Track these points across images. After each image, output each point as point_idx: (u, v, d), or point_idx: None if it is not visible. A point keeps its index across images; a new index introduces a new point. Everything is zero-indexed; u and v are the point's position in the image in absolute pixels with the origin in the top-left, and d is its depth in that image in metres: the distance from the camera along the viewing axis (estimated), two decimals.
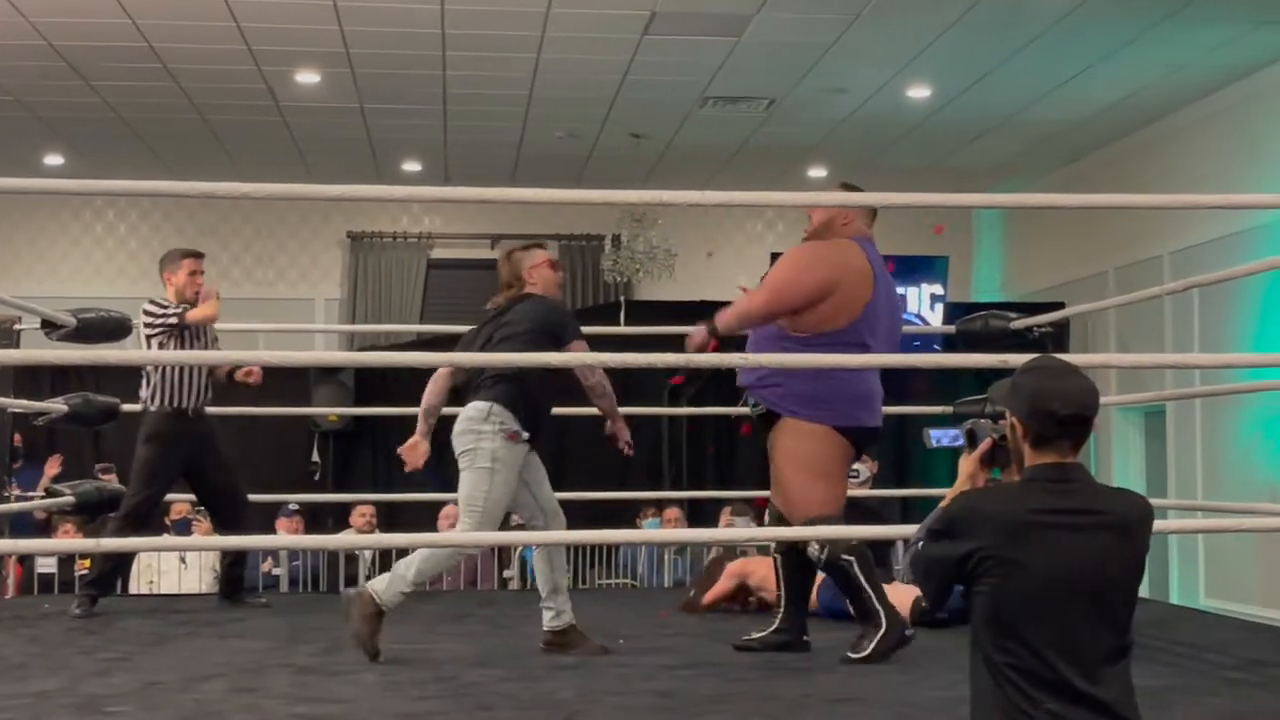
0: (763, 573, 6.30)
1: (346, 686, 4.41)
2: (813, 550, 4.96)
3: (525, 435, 5.00)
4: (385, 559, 7.58)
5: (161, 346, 6.31)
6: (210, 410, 7.23)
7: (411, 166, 12.47)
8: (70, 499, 6.38)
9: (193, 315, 6.44)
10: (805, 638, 5.18)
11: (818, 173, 12.44)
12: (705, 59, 9.56)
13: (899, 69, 9.80)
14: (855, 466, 7.49)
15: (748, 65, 9.65)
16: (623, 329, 9.83)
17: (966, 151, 11.83)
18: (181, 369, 6.40)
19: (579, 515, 6.20)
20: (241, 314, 10.73)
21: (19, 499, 7.05)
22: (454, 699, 4.18)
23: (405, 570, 4.90)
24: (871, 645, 4.82)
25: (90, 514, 6.48)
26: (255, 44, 9.21)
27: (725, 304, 11.93)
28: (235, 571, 6.73)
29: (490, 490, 4.94)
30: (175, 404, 6.41)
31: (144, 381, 6.44)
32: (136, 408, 7.07)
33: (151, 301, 6.57)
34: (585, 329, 5.92)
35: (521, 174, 12.52)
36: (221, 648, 5.27)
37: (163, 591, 8.54)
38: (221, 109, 10.79)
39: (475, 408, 5.01)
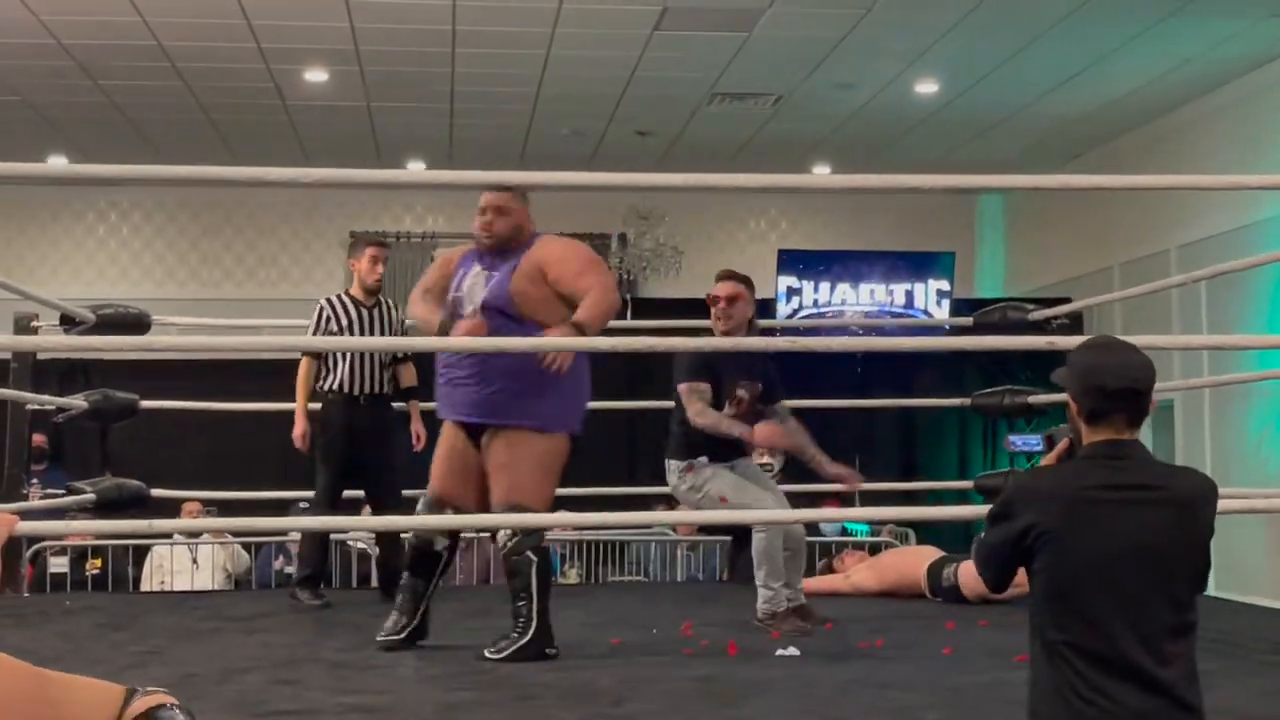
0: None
1: (384, 679, 4.41)
2: (503, 535, 4.91)
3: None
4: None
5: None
6: (227, 405, 7.26)
7: (416, 165, 12.46)
8: (91, 496, 6.37)
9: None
10: None
11: (824, 169, 12.45)
12: (714, 55, 9.57)
13: (906, 65, 9.82)
14: (768, 460, 7.52)
15: (756, 61, 9.66)
16: (630, 324, 9.84)
17: (973, 147, 11.84)
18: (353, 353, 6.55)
19: (590, 509, 6.24)
20: (246, 313, 10.74)
21: (43, 498, 7.03)
22: (493, 689, 4.18)
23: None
24: (510, 649, 4.73)
25: (111, 512, 6.45)
26: (265, 41, 9.20)
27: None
28: (389, 567, 6.71)
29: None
30: (343, 390, 6.51)
31: None
32: (156, 404, 7.08)
33: (326, 300, 6.75)
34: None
35: (525, 171, 12.49)
36: (251, 641, 5.26)
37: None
38: (228, 108, 10.78)
39: None
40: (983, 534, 3.01)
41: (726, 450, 5.52)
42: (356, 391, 6.51)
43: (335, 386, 6.50)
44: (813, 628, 5.28)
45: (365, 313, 6.61)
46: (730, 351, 5.53)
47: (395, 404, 6.73)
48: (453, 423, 5.01)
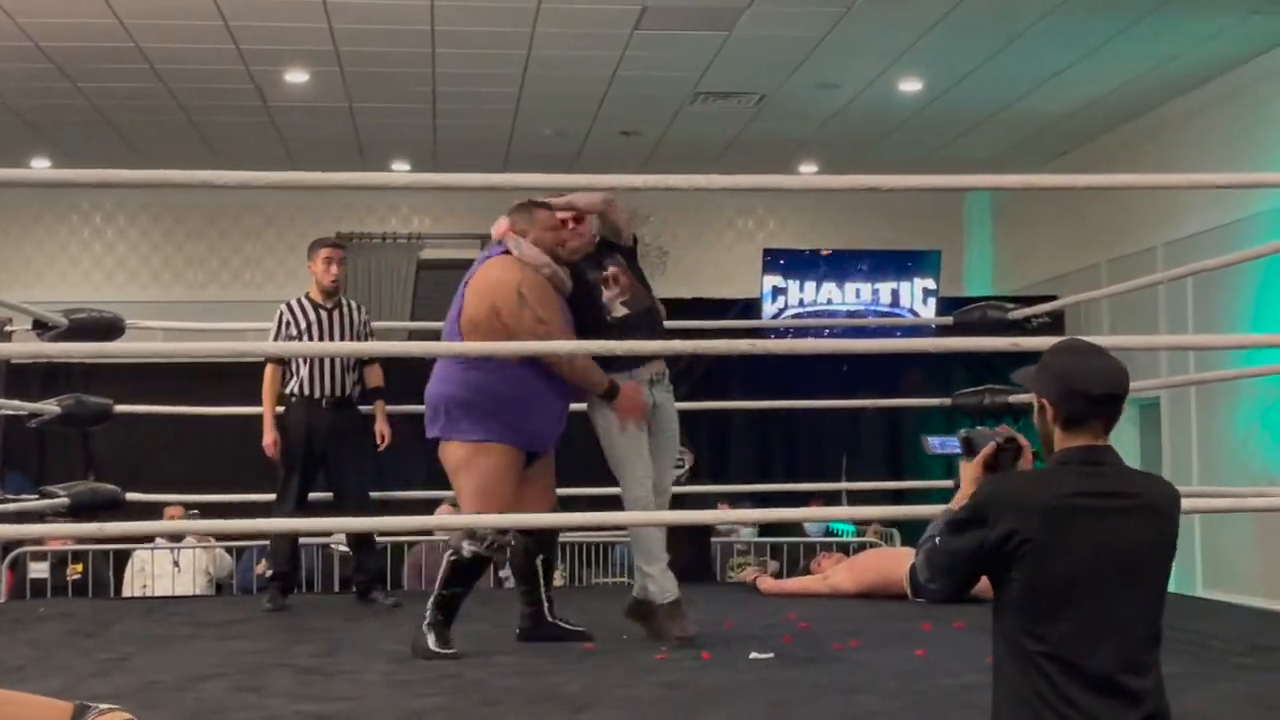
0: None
1: (349, 685, 4.37)
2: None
3: None
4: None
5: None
6: (205, 410, 7.24)
7: (400, 166, 12.42)
8: (65, 500, 6.32)
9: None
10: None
11: (809, 168, 12.42)
12: (696, 54, 9.54)
13: (890, 63, 9.78)
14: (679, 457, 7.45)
15: (738, 60, 9.63)
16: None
17: (957, 146, 11.81)
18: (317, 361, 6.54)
19: (579, 509, 6.19)
20: (231, 316, 10.68)
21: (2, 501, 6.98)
22: (459, 695, 4.14)
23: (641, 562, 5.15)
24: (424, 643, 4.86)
25: (85, 516, 6.40)
26: (244, 43, 9.16)
27: (720, 301, 11.94)
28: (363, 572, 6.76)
29: None
30: (304, 392, 6.52)
31: None
32: (130, 409, 7.04)
33: (286, 305, 6.75)
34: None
35: (511, 173, 12.45)
36: (221, 648, 5.22)
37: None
38: (209, 109, 10.74)
39: None
40: (937, 539, 2.94)
41: None
42: (319, 395, 6.50)
43: (297, 390, 6.50)
44: (693, 633, 5.06)
45: (325, 315, 6.59)
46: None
47: (362, 406, 6.71)
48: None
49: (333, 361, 6.51)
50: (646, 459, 5.15)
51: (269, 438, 6.50)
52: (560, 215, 5.26)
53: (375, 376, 6.73)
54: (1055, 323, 8.31)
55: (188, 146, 11.60)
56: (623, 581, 9.36)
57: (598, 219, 5.43)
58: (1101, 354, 2.93)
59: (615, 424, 5.10)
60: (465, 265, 15.18)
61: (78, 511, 6.32)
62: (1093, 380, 2.84)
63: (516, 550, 5.20)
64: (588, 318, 5.16)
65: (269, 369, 6.57)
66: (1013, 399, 6.99)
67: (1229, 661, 4.58)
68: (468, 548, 4.94)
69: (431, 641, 4.87)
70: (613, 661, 4.73)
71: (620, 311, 5.21)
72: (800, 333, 11.54)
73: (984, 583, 2.97)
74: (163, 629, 5.80)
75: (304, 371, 6.50)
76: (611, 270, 5.28)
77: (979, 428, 3.51)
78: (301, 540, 8.42)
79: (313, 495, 6.68)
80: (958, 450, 3.36)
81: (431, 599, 4.96)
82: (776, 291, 11.94)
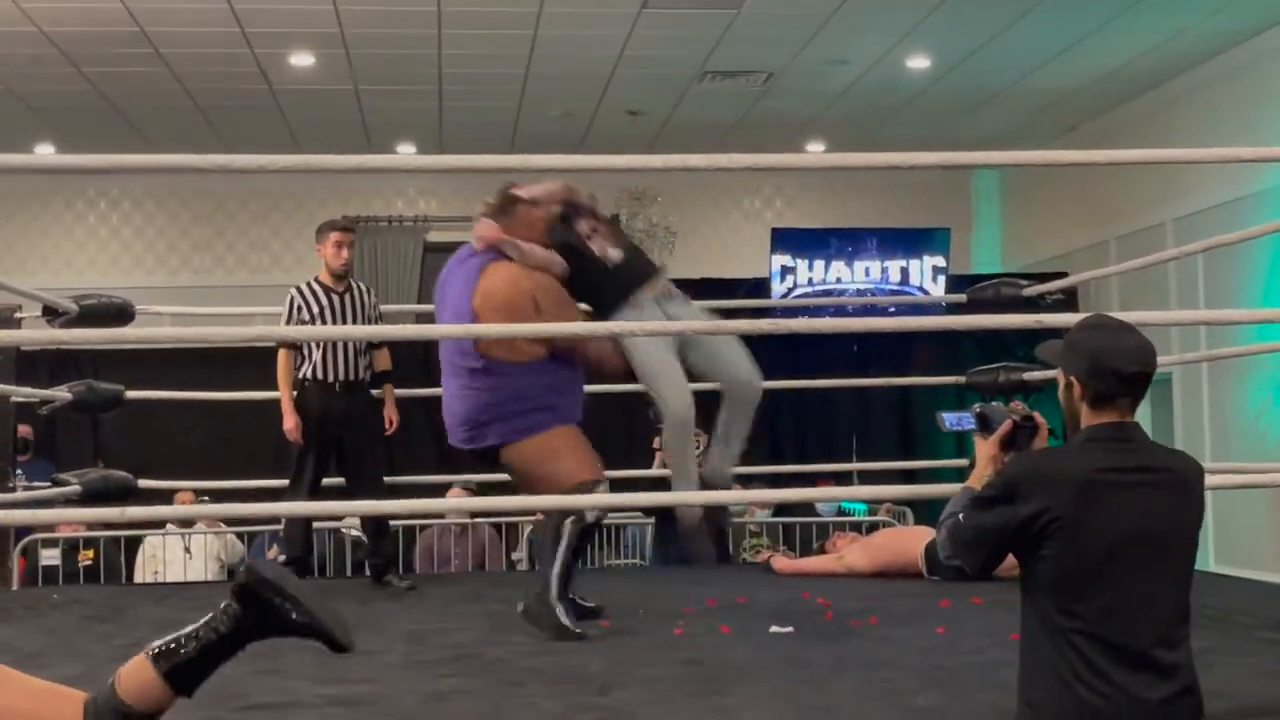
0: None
1: (369, 667, 4.34)
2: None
3: None
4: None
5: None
6: (217, 395, 7.22)
7: (406, 148, 12.39)
8: (77, 488, 6.30)
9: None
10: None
11: (816, 146, 12.38)
12: (703, 33, 9.49)
13: (898, 40, 9.74)
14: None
15: (746, 38, 9.58)
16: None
17: (966, 122, 11.76)
18: (330, 345, 6.51)
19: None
20: (238, 300, 10.65)
21: (26, 490, 6.97)
22: (481, 676, 4.12)
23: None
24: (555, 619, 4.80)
25: (97, 503, 6.38)
26: (249, 26, 9.12)
27: (729, 281, 11.88)
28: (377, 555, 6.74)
29: None
30: (316, 375, 6.49)
31: None
32: (141, 395, 7.02)
33: (295, 288, 6.72)
34: (585, 307, 5.95)
35: (517, 154, 12.42)
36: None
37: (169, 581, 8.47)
38: (214, 93, 10.70)
39: None
40: (961, 516, 2.92)
41: None
42: (331, 379, 6.48)
43: (310, 374, 6.47)
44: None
45: (336, 299, 6.56)
46: None
47: (373, 390, 6.70)
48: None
49: (345, 345, 6.49)
50: (677, 367, 5.09)
51: (290, 421, 6.46)
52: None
53: (384, 360, 6.71)
54: (1068, 299, 8.28)
55: (193, 130, 11.56)
56: (635, 563, 9.36)
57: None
58: (1131, 331, 2.91)
59: (640, 344, 5.05)
60: None
61: (91, 499, 6.31)
62: (1123, 358, 2.82)
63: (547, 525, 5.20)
64: (594, 274, 5.13)
65: (282, 354, 6.54)
66: (1027, 376, 6.96)
67: (1255, 637, 4.56)
68: (591, 514, 4.91)
69: (564, 617, 4.78)
70: (631, 640, 4.72)
71: (617, 255, 5.19)
72: (810, 312, 11.50)
73: (1005, 560, 2.96)
74: (178, 614, 5.76)
75: (317, 356, 6.48)
76: (587, 224, 5.26)
77: (993, 403, 3.48)
78: (314, 525, 8.43)
79: (325, 480, 6.66)
80: (973, 427, 3.34)
81: (554, 573, 4.83)
82: (785, 270, 11.91)
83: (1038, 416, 3.26)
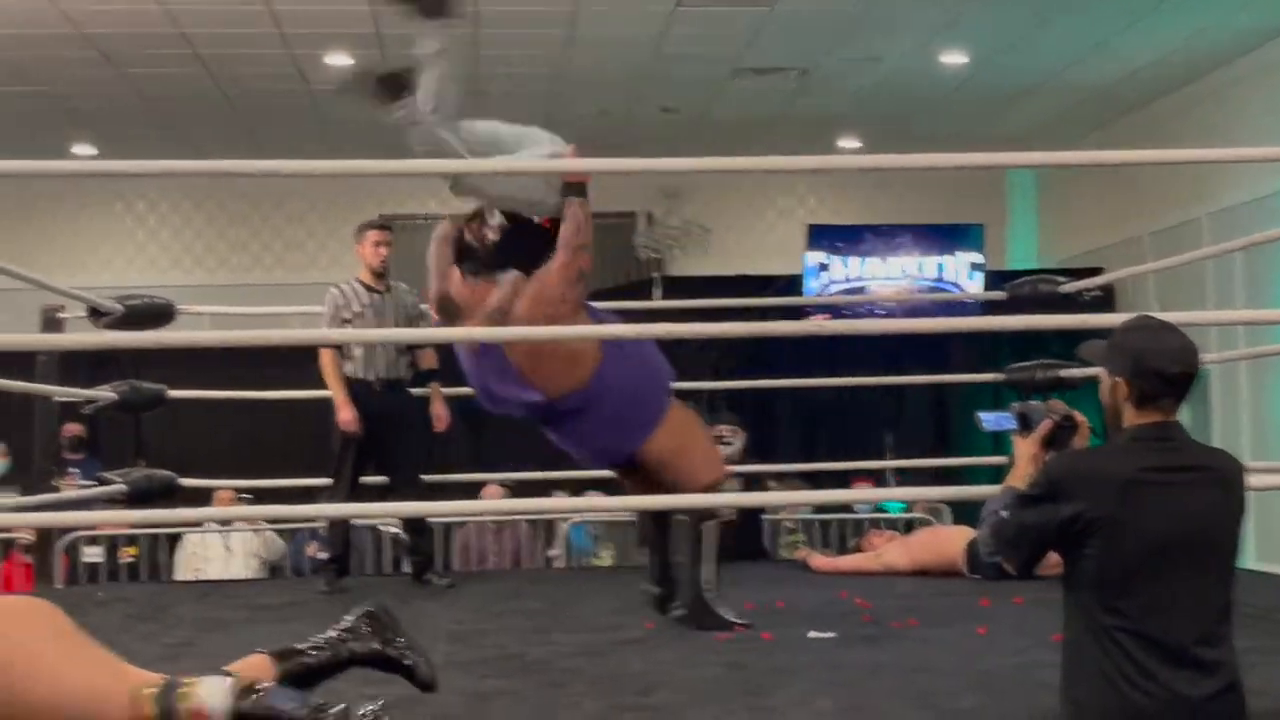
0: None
1: None
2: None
3: None
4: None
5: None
6: (257, 394, 7.27)
7: None
8: (121, 487, 6.37)
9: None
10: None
11: (850, 143, 12.36)
12: (737, 30, 9.50)
13: (932, 35, 9.72)
14: (724, 437, 7.41)
15: (780, 35, 9.59)
16: (657, 304, 9.81)
17: (1000, 118, 11.73)
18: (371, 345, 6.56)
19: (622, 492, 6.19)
20: (275, 299, 10.72)
21: (81, 489, 7.05)
22: (523, 676, 4.15)
23: None
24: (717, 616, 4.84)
25: (141, 502, 6.44)
26: (286, 27, 9.18)
27: (762, 278, 11.86)
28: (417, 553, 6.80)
29: None
30: (356, 374, 6.55)
31: None
32: (183, 394, 7.08)
33: (335, 286, 6.78)
34: (618, 305, 5.89)
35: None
36: (281, 631, 5.23)
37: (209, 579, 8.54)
38: (251, 94, 10.77)
39: None
40: (1005, 513, 2.94)
41: None
42: (372, 378, 6.51)
43: (351, 373, 6.51)
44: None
45: (377, 298, 6.60)
46: None
47: (414, 389, 6.72)
48: None
49: (387, 345, 6.52)
50: None
51: (346, 413, 6.45)
52: None
53: (429, 359, 6.73)
54: (1106, 296, 8.25)
55: (229, 131, 11.63)
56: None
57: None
58: (1175, 332, 2.93)
59: None
60: None
61: (135, 498, 6.37)
62: (1168, 359, 2.85)
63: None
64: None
65: (325, 354, 6.58)
66: (1064, 373, 6.94)
67: None
68: (726, 512, 4.98)
69: (726, 613, 4.85)
70: (670, 641, 4.74)
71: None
72: (844, 310, 11.49)
73: (1047, 559, 2.98)
74: (220, 612, 5.83)
75: (358, 354, 6.52)
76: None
77: (1031, 401, 3.51)
78: (353, 523, 8.48)
79: (363, 478, 6.70)
80: (1012, 426, 3.36)
81: (705, 571, 4.87)
82: (821, 267, 11.91)
83: (1078, 415, 3.29)
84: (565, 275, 4.77)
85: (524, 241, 4.97)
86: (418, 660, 3.27)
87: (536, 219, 4.98)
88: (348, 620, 3.27)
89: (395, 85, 4.85)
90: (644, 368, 4.94)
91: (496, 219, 5.06)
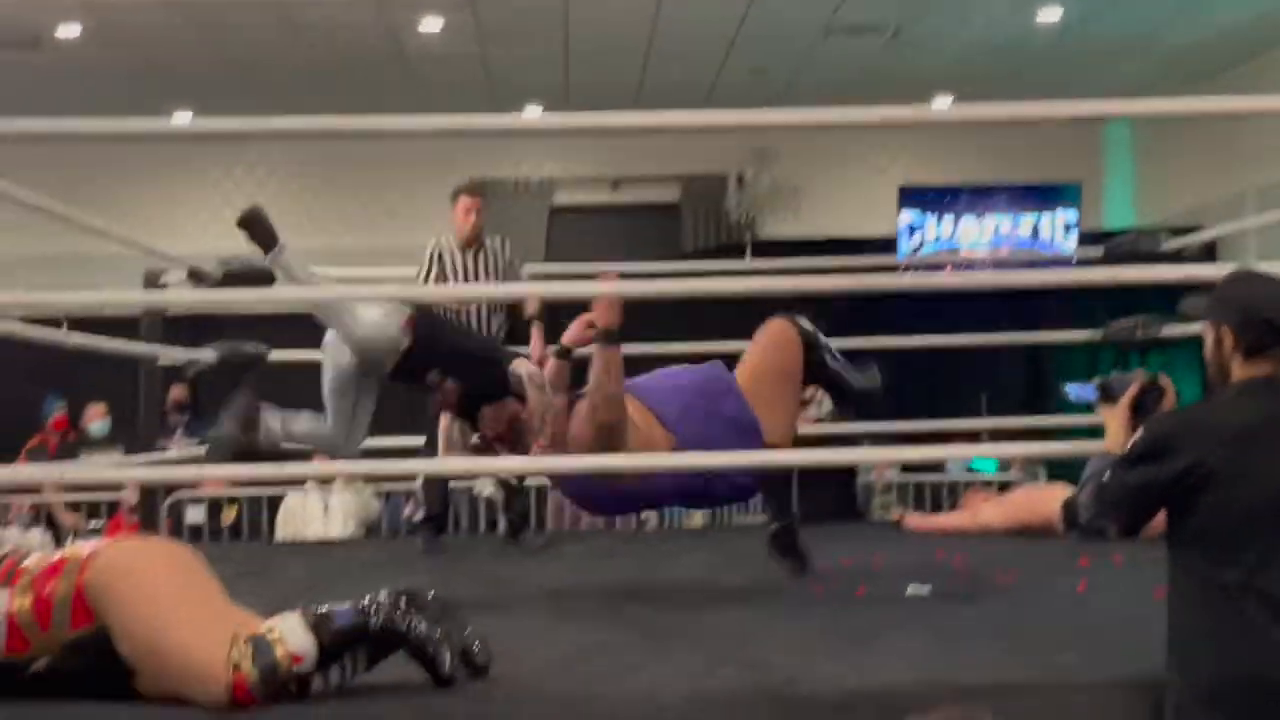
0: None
1: (509, 624, 4.42)
2: None
3: None
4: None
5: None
6: None
7: (532, 110, 12.47)
8: None
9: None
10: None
11: (943, 103, 12.23)
12: None
13: None
14: (818, 397, 7.36)
15: None
16: (748, 265, 9.78)
17: (1097, 76, 11.56)
18: (445, 308, 6.56)
19: None
20: (370, 262, 10.82)
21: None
22: (622, 630, 4.18)
23: None
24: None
25: (242, 460, 6.54)
26: None
27: (855, 240, 11.77)
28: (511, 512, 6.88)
29: None
30: None
31: None
32: (282, 355, 7.18)
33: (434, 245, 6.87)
34: (710, 267, 5.86)
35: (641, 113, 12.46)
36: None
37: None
38: (345, 59, 10.87)
39: None
40: (1107, 476, 2.92)
41: None
42: None
43: None
44: None
45: (470, 257, 6.66)
46: None
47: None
48: None
49: (477, 305, 6.56)
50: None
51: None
52: None
53: (531, 305, 6.71)
54: (1208, 254, 8.12)
55: (323, 97, 11.72)
56: (763, 519, 9.36)
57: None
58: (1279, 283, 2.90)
59: None
60: (597, 211, 15.29)
61: (236, 457, 6.47)
62: (1276, 309, 2.81)
63: None
64: None
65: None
66: (1165, 331, 6.85)
67: None
68: None
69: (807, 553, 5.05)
70: (769, 599, 4.75)
71: None
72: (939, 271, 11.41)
73: (1151, 522, 2.96)
74: (324, 571, 5.93)
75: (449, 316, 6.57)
76: None
77: (1114, 374, 3.56)
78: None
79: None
80: (1096, 397, 3.39)
81: (791, 518, 5.09)
82: (913, 229, 11.81)
83: (1164, 379, 3.29)
84: (588, 425, 4.61)
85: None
86: (441, 653, 3.29)
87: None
88: (383, 594, 3.33)
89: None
90: (696, 396, 4.81)
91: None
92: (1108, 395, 3.31)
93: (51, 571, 3.23)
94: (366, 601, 3.31)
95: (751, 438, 4.70)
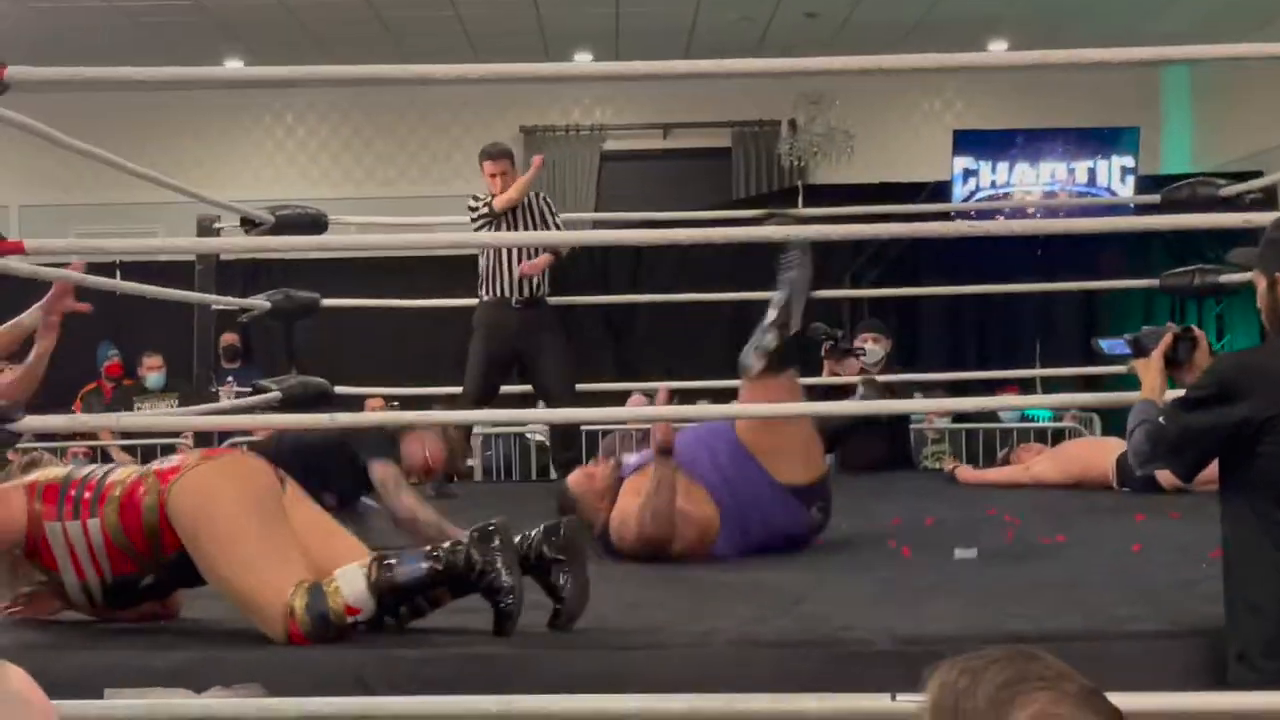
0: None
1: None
2: None
3: None
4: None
5: None
6: (406, 303, 7.39)
7: (583, 57, 12.40)
8: (277, 394, 6.50)
9: (498, 202, 6.69)
10: None
11: (998, 46, 12.08)
12: None
13: None
14: (866, 345, 7.31)
15: None
16: (801, 212, 9.71)
17: (1153, 20, 11.36)
18: (495, 258, 6.65)
19: None
20: (422, 210, 10.84)
21: (239, 396, 7.23)
22: (674, 586, 4.18)
23: None
24: None
25: (297, 408, 6.57)
26: None
27: (909, 185, 11.63)
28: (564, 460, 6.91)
29: None
30: (493, 293, 6.70)
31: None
32: (335, 302, 7.22)
33: (472, 197, 6.96)
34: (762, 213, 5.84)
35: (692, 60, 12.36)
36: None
37: None
38: (396, 5, 10.82)
39: None
40: (1164, 419, 2.90)
41: None
42: (506, 294, 6.61)
43: (485, 292, 6.65)
44: None
45: (507, 215, 6.69)
46: None
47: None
48: None
49: (510, 263, 6.61)
50: None
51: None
52: None
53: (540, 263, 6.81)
54: (1268, 199, 7.98)
55: (374, 44, 11.72)
56: None
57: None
58: None
59: None
60: (648, 156, 15.22)
61: (289, 405, 6.50)
62: None
63: None
64: None
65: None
66: (1223, 279, 6.75)
67: None
68: None
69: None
70: (819, 558, 4.74)
71: None
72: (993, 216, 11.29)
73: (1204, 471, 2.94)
74: (368, 522, 5.94)
75: (483, 272, 6.63)
76: None
77: (1145, 328, 3.58)
78: (496, 431, 8.65)
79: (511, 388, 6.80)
80: (1128, 351, 3.42)
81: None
82: (967, 174, 11.69)
83: (1196, 329, 3.30)
84: (634, 531, 4.65)
85: None
86: (507, 602, 3.34)
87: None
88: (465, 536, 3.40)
89: None
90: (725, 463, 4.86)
91: None
92: (1139, 349, 3.32)
93: (134, 489, 3.36)
94: (447, 546, 3.38)
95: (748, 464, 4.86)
